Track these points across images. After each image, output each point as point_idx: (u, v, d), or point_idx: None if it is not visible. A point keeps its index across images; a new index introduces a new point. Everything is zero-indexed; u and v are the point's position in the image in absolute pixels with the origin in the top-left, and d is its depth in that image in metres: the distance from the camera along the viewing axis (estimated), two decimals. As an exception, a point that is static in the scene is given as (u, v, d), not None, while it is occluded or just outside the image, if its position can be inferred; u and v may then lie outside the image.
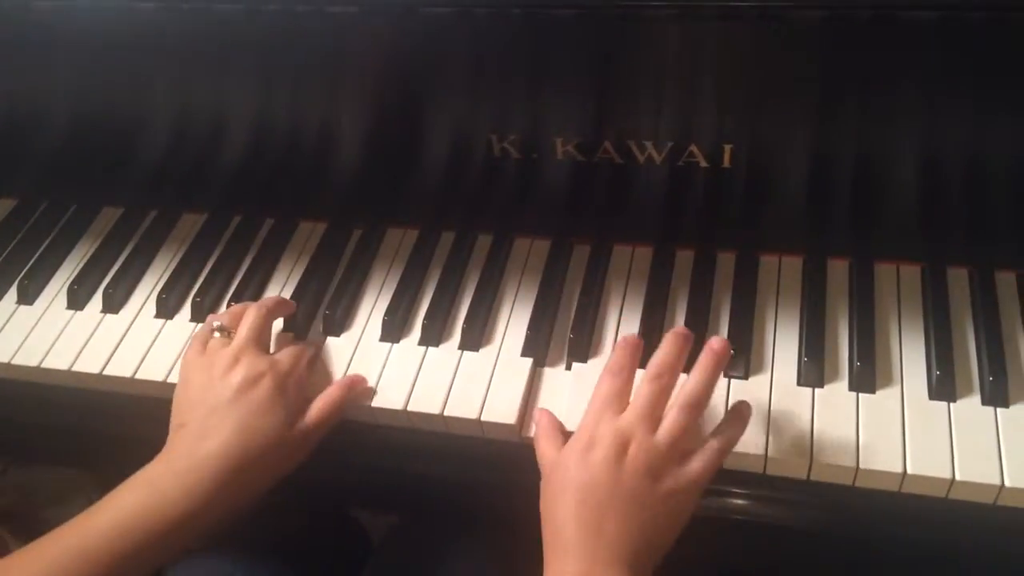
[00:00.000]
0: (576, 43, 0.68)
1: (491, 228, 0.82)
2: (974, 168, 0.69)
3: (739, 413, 0.63)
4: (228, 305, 0.79)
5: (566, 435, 0.64)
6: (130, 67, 0.78)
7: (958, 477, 0.61)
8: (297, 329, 0.77)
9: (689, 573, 0.61)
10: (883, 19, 0.62)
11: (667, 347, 0.62)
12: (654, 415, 0.59)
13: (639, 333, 0.72)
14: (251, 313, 0.71)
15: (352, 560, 0.80)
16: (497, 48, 0.69)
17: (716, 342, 0.61)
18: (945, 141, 0.68)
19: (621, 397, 0.61)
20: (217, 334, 0.69)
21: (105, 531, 0.58)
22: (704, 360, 0.61)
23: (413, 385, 0.71)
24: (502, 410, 0.68)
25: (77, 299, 0.81)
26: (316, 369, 0.73)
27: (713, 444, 0.60)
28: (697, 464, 0.58)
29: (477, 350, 0.74)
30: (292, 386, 0.67)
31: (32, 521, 1.32)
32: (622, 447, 0.58)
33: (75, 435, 0.82)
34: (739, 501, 0.66)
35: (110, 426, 0.78)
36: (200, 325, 0.78)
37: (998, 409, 0.65)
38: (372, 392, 0.71)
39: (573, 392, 0.69)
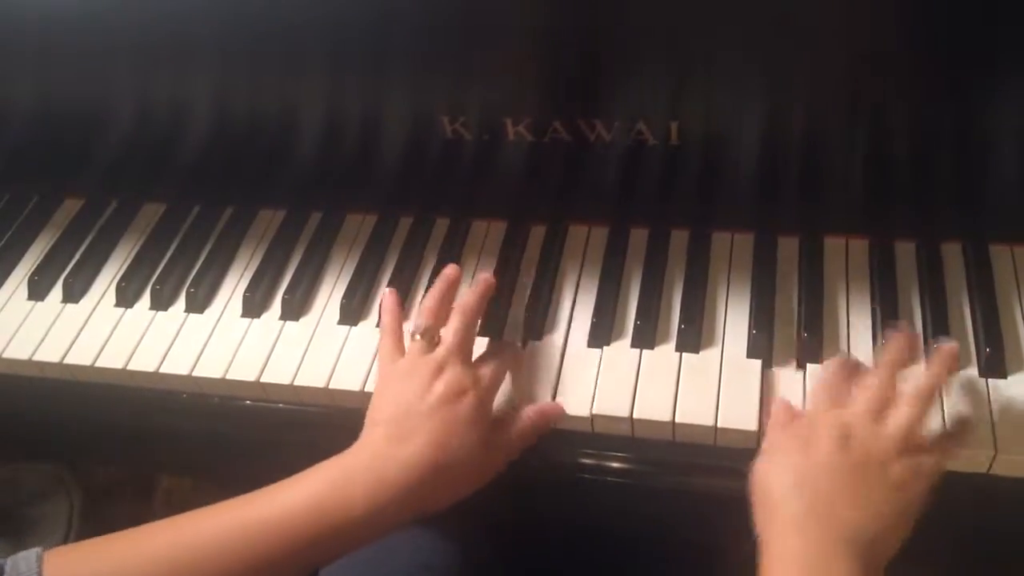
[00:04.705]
0: (520, 21, 0.69)
1: (448, 212, 0.83)
2: (920, 143, 0.70)
3: (967, 413, 0.63)
4: (187, 293, 0.79)
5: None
6: (88, 58, 0.79)
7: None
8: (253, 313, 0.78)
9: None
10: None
11: (896, 343, 0.61)
12: (882, 407, 0.58)
13: (593, 313, 0.73)
14: (457, 318, 0.67)
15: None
16: (443, 27, 0.70)
17: (947, 346, 0.62)
18: (892, 115, 0.69)
19: (843, 386, 0.61)
20: (418, 336, 0.66)
21: (302, 511, 0.58)
22: (940, 356, 0.61)
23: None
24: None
25: (38, 290, 0.82)
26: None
27: (945, 438, 0.59)
28: (928, 458, 0.57)
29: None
30: (492, 403, 0.65)
31: (17, 518, 1.33)
32: (844, 436, 0.57)
33: (41, 425, 0.84)
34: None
35: (76, 414, 0.79)
36: (159, 313, 0.79)
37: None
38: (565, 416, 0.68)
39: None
